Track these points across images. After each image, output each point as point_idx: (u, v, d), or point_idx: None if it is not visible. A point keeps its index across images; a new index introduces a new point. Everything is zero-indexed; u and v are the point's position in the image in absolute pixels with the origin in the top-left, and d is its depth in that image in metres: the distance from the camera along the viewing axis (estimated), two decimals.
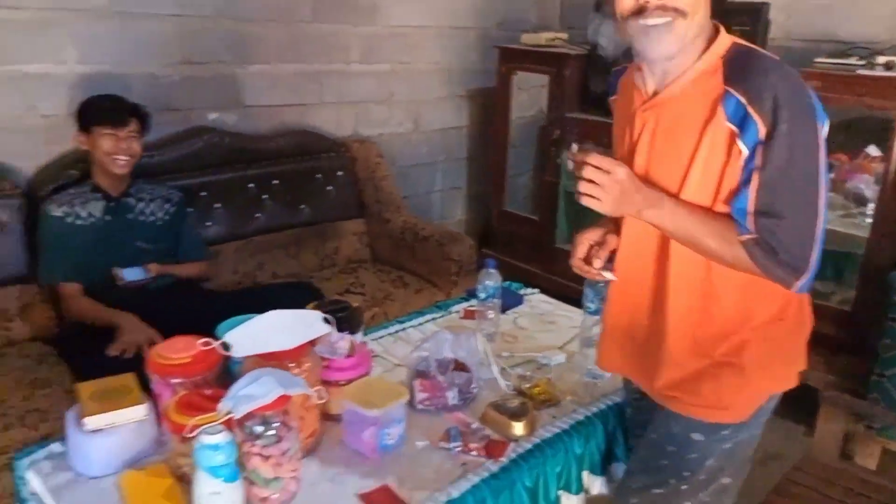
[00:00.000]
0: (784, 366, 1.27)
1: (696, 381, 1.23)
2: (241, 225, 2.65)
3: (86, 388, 1.37)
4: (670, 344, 1.25)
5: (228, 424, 1.16)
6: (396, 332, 1.88)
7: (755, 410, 1.25)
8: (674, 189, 1.16)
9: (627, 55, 1.29)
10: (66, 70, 2.36)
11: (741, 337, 1.21)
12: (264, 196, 2.72)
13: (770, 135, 1.04)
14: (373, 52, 3.16)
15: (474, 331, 1.67)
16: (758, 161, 1.06)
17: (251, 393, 1.18)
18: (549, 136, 3.11)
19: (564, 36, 3.17)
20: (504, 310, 1.96)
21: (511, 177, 3.47)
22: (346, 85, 3.11)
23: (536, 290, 2.15)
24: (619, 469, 1.52)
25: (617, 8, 1.13)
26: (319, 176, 2.87)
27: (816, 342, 2.43)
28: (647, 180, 1.17)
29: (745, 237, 1.10)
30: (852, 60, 2.31)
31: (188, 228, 2.37)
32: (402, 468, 1.33)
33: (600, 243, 1.34)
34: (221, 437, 1.11)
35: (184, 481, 1.24)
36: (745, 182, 1.09)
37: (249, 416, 1.18)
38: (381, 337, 1.85)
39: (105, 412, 1.30)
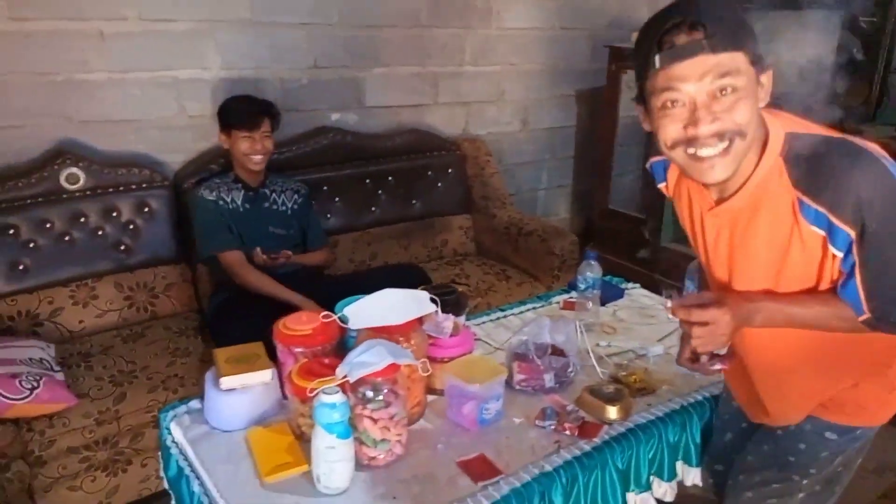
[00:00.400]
0: None
1: (836, 395, 1.23)
2: (358, 217, 2.83)
3: (222, 353, 1.55)
4: (807, 392, 1.24)
5: (343, 388, 1.30)
6: (498, 318, 1.97)
7: None
8: (770, 284, 1.13)
9: None
10: (210, 75, 2.62)
11: (875, 354, 1.19)
12: (379, 191, 2.89)
13: (862, 234, 0.99)
14: (485, 53, 3.26)
15: (573, 319, 1.73)
16: (856, 258, 1.02)
17: (365, 360, 1.31)
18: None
19: None
20: (604, 302, 2.00)
21: (616, 175, 3.47)
22: (459, 85, 3.24)
23: (637, 285, 2.17)
24: None
25: (659, 136, 1.04)
26: (431, 173, 3.01)
27: None
28: (734, 283, 1.17)
29: (865, 317, 1.06)
30: None
31: (313, 219, 2.58)
32: (498, 441, 1.42)
33: None
34: (338, 398, 1.24)
35: (302, 439, 1.39)
36: (850, 274, 1.04)
37: (362, 382, 1.31)
38: (483, 322, 1.95)
39: (238, 374, 1.47)
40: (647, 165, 1.35)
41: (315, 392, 1.27)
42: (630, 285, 2.17)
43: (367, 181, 2.86)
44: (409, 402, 1.46)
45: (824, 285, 1.10)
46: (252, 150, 2.32)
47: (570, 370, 1.61)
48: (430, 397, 1.55)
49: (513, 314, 1.99)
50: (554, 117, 3.63)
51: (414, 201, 2.96)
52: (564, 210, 3.87)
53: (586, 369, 1.66)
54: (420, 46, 3.07)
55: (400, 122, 3.09)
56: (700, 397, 1.56)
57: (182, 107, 2.60)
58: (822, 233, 1.02)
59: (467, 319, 1.94)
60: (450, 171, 3.05)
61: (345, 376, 1.30)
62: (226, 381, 1.46)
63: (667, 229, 3.12)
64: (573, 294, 2.01)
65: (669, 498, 1.52)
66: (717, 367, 1.23)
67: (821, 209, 1.00)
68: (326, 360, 1.43)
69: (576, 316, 1.90)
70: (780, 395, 1.28)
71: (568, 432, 1.43)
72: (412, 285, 1.64)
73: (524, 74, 3.44)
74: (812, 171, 1.01)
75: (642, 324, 1.93)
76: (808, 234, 1.04)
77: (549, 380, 1.59)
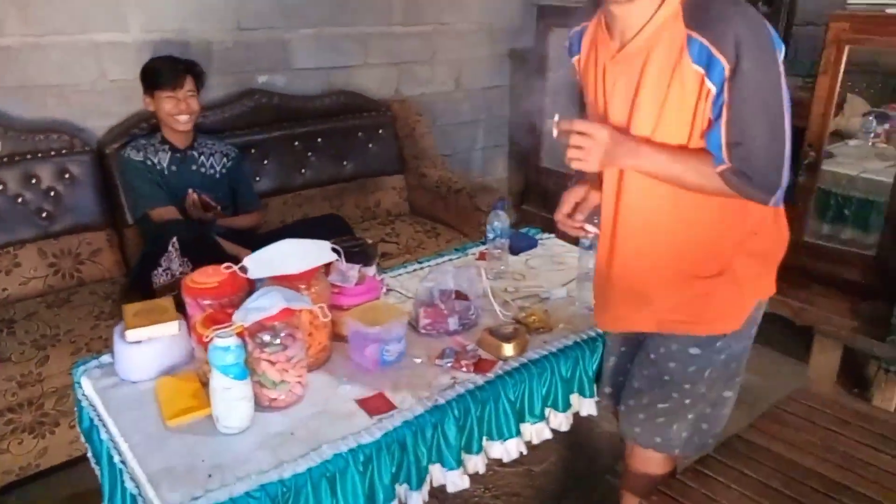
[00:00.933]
0: (767, 274, 1.37)
1: (690, 303, 1.33)
2: (289, 179, 2.85)
3: (130, 308, 1.59)
4: (659, 276, 1.35)
5: (242, 335, 1.34)
6: (414, 270, 2.03)
7: (747, 318, 1.35)
8: (649, 132, 1.23)
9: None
10: (131, 38, 2.59)
11: (724, 254, 1.31)
12: (309, 153, 2.90)
13: (734, 71, 1.11)
14: (415, 13, 3.26)
15: (477, 266, 1.80)
16: (726, 97, 1.14)
17: (259, 306, 1.36)
18: None
19: None
20: (517, 251, 2.08)
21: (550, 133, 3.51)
22: (389, 46, 3.24)
23: (552, 235, 2.24)
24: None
25: None
26: (361, 134, 3.03)
27: (842, 289, 2.43)
28: (626, 129, 1.25)
29: (721, 168, 1.18)
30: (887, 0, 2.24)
31: (244, 182, 2.59)
32: (398, 380, 1.48)
33: (584, 199, 1.46)
34: (231, 341, 1.29)
35: (207, 385, 1.43)
36: (717, 117, 1.16)
37: (260, 327, 1.36)
38: (399, 275, 2.01)
39: (144, 326, 1.51)
40: (568, 36, 1.42)
41: (211, 338, 1.31)
42: (545, 236, 2.24)
43: (297, 143, 2.88)
44: (314, 348, 1.52)
45: (694, 143, 1.21)
46: (177, 109, 2.32)
47: (471, 312, 1.67)
48: (338, 344, 1.60)
49: (429, 266, 2.05)
50: (488, 77, 3.66)
51: (345, 162, 2.99)
52: (502, 169, 3.92)
53: (491, 313, 1.73)
54: (348, 6, 3.05)
55: (330, 83, 3.09)
56: (594, 333, 1.64)
57: (103, 71, 2.57)
58: (702, 70, 1.14)
59: (384, 272, 2.00)
60: (381, 131, 3.08)
61: (241, 323, 1.35)
62: (131, 334, 1.50)
63: None
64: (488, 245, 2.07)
65: (565, 428, 1.61)
66: (592, 229, 1.39)
67: (704, 41, 1.12)
68: (230, 311, 1.47)
69: (488, 265, 1.97)
70: (639, 275, 1.36)
71: (464, 369, 1.50)
72: (333, 234, 1.70)
73: (456, 34, 3.45)
74: (703, 11, 1.14)
75: (552, 270, 2.00)
76: (689, 73, 1.15)
77: (452, 323, 1.65)
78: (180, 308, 1.59)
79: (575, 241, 2.16)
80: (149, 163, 2.34)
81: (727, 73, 1.12)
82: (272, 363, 1.37)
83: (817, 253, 2.46)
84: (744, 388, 1.47)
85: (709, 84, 1.14)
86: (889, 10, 2.15)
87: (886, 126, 2.82)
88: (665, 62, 1.18)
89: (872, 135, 2.83)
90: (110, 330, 2.10)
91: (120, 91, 2.60)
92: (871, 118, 2.83)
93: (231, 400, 1.31)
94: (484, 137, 3.77)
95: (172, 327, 1.54)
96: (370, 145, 3.05)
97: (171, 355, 1.54)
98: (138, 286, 2.23)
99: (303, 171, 2.88)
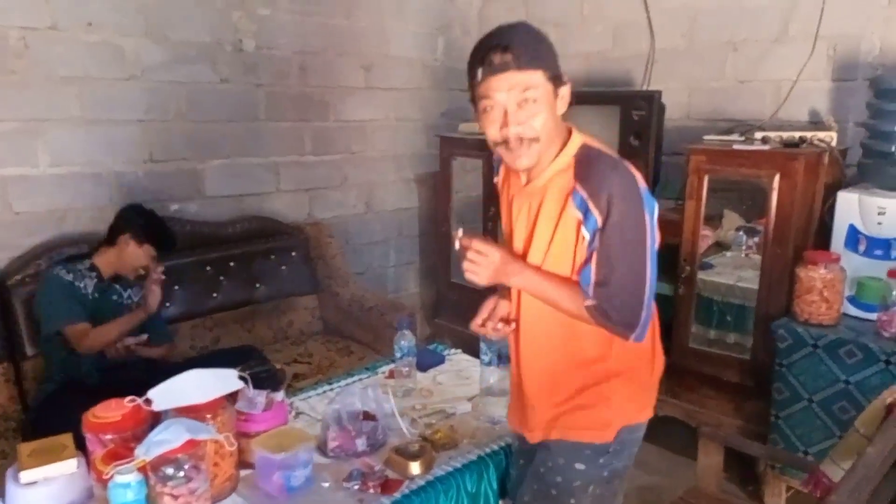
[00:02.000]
0: (637, 398, 1.48)
1: (567, 413, 1.45)
2: (199, 304, 2.86)
3: (26, 448, 1.54)
4: (539, 387, 1.48)
5: (144, 470, 1.34)
6: (324, 391, 2.07)
7: (625, 439, 1.45)
8: (540, 261, 1.40)
9: None
10: (39, 172, 2.63)
11: (601, 374, 1.43)
12: (221, 277, 2.94)
13: (605, 224, 1.29)
14: (325, 143, 3.46)
15: (385, 385, 1.86)
16: (596, 244, 1.31)
17: (162, 439, 1.37)
18: (487, 211, 3.38)
19: None
20: (425, 368, 2.15)
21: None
22: (301, 173, 3.40)
23: (459, 350, 2.34)
24: None
25: (486, 133, 1.37)
26: (274, 257, 3.10)
27: (727, 390, 2.62)
28: (525, 253, 1.43)
29: (589, 303, 1.34)
30: (734, 136, 2.61)
31: (157, 315, 2.58)
32: None
33: (497, 307, 1.59)
34: (131, 477, 1.29)
35: None
36: (589, 259, 1.33)
37: (164, 461, 1.36)
38: (309, 396, 2.03)
39: (39, 467, 1.47)
40: (494, 159, 1.58)
41: (111, 475, 1.30)
42: (452, 351, 2.34)
43: (208, 268, 2.91)
44: (219, 478, 1.51)
45: (576, 276, 1.37)
46: (149, 267, 2.41)
47: (379, 433, 1.72)
48: (246, 471, 1.60)
49: (339, 386, 2.09)
50: (397, 199, 3.86)
51: (258, 285, 3.03)
52: (414, 285, 4.06)
53: (399, 432, 1.78)
54: (259, 139, 3.21)
55: (242, 209, 3.19)
56: (496, 447, 1.72)
57: (8, 204, 2.57)
58: (580, 216, 1.31)
59: (295, 394, 2.03)
60: (293, 254, 3.16)
61: (142, 457, 1.35)
62: (25, 475, 1.45)
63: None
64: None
65: None
66: (506, 328, 1.51)
67: (584, 195, 1.30)
68: (134, 445, 1.47)
69: (396, 383, 2.03)
70: (538, 371, 1.49)
71: (371, 490, 1.53)
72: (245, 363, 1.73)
73: (365, 160, 3.66)
74: (588, 168, 1.33)
75: (458, 385, 2.08)
76: (571, 218, 1.32)
77: (360, 444, 1.69)
78: (81, 445, 1.57)
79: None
80: (76, 284, 2.34)
81: (599, 224, 1.29)
82: (175, 497, 1.36)
83: (702, 357, 2.66)
84: (647, 488, 1.55)
85: (584, 231, 1.32)
86: (735, 146, 2.50)
87: (756, 239, 3.15)
88: (555, 205, 1.35)
89: (744, 247, 3.15)
90: (3, 471, 2.02)
91: (24, 224, 2.60)
92: (741, 233, 3.16)
93: None
94: (395, 255, 3.92)
95: (70, 465, 1.50)
96: (283, 267, 3.12)
97: (69, 495, 1.48)
98: (39, 426, 2.15)
99: (214, 295, 2.90)
